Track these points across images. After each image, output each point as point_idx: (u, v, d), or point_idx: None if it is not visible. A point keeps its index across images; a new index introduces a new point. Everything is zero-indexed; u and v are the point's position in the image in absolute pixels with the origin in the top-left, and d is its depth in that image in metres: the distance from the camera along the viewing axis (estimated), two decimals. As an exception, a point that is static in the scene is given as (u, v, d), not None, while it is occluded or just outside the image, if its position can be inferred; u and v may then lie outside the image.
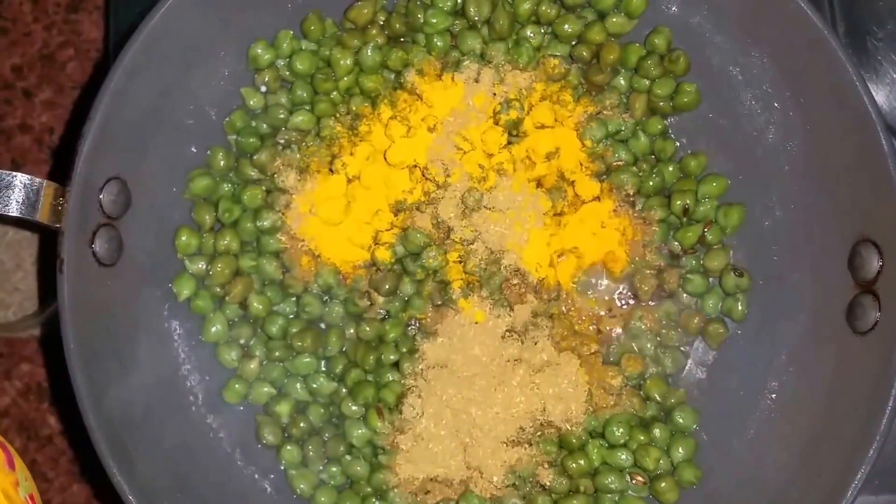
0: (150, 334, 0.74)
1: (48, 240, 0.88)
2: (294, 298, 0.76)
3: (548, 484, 0.72)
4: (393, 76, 0.76)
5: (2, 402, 0.91)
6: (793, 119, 0.73)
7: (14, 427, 0.91)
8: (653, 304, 0.76)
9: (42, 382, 0.92)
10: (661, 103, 0.76)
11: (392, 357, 0.74)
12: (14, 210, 0.64)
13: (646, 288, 0.75)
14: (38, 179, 0.65)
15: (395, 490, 0.73)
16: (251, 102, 0.77)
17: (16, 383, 0.92)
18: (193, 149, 0.76)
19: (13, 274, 0.88)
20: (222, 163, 0.76)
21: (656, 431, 0.73)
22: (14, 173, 0.64)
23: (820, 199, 0.73)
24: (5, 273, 0.88)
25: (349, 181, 0.75)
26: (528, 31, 0.76)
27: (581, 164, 0.75)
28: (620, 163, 0.76)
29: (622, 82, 0.77)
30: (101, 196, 0.69)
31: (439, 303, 0.75)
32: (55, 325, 0.87)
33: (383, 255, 0.74)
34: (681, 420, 0.74)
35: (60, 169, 0.94)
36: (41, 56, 0.96)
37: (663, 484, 0.72)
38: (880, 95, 0.83)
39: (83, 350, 0.66)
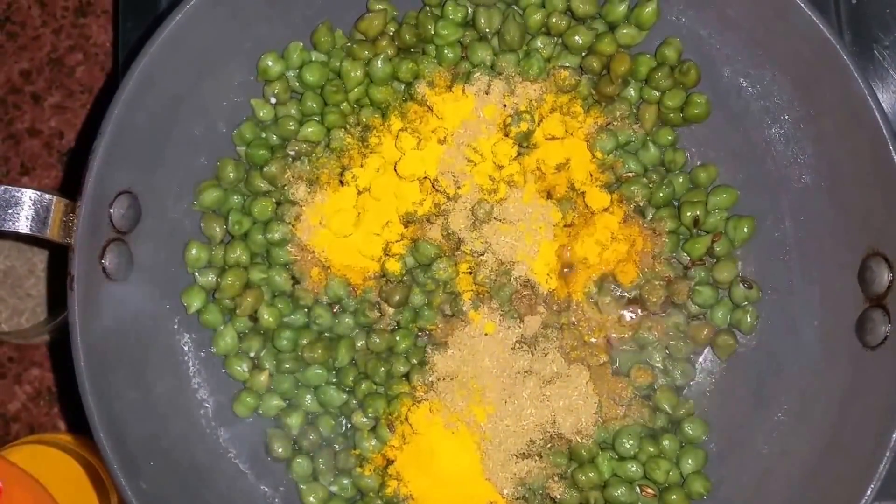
0: (159, 348, 0.74)
1: (57, 249, 0.88)
2: (304, 310, 0.76)
3: (558, 496, 0.72)
4: (403, 88, 0.76)
5: (12, 406, 0.92)
6: (803, 132, 0.73)
7: (24, 431, 0.92)
8: (662, 315, 0.76)
9: (52, 387, 0.92)
10: (672, 114, 0.76)
11: (402, 368, 0.74)
12: (24, 227, 0.64)
13: (655, 299, 0.75)
14: (47, 196, 0.64)
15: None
16: (261, 114, 0.76)
17: (26, 388, 0.92)
18: (203, 160, 0.76)
19: (25, 280, 0.88)
20: (232, 175, 0.75)
21: (666, 443, 0.74)
22: (23, 189, 0.64)
23: (830, 212, 0.73)
24: (18, 279, 0.88)
25: (359, 193, 0.75)
26: (539, 43, 0.76)
27: (591, 176, 0.75)
28: (630, 174, 0.76)
29: (632, 93, 0.76)
30: (111, 210, 0.68)
31: (449, 314, 0.75)
32: (64, 333, 0.88)
33: (393, 266, 0.74)
34: (690, 431, 0.74)
35: (70, 174, 0.95)
36: (50, 60, 0.96)
37: (673, 496, 0.72)
38: (886, 102, 0.83)
39: (93, 365, 0.66)
